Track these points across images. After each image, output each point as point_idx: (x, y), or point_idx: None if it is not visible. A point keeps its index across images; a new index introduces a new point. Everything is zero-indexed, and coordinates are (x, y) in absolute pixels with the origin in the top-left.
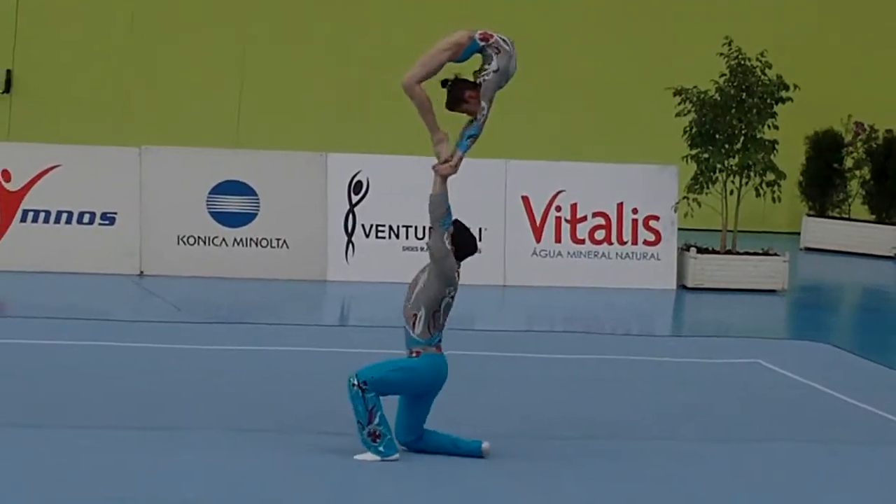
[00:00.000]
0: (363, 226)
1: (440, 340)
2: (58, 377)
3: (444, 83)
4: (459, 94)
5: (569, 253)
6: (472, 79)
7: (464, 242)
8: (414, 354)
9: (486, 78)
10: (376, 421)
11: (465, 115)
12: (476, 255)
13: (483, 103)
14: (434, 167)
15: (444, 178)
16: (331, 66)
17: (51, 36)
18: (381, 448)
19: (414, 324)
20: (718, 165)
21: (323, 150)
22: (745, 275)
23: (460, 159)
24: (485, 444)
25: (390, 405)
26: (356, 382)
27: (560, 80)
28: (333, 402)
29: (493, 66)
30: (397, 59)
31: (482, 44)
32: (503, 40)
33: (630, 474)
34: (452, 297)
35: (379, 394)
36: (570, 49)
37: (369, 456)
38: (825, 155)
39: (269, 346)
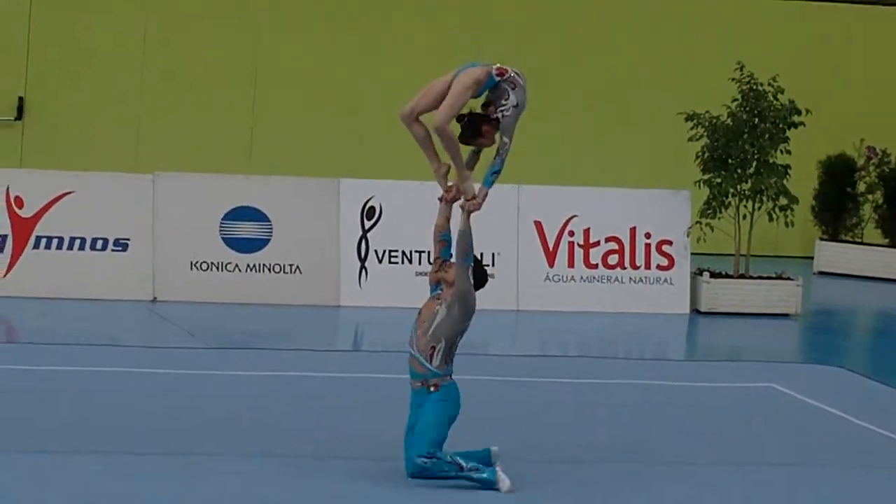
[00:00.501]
0: (376, 251)
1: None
2: (71, 403)
3: (460, 118)
4: (477, 128)
5: (582, 278)
6: (481, 112)
7: (479, 276)
8: (432, 388)
9: (506, 114)
10: (463, 463)
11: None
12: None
13: (505, 139)
14: (462, 204)
15: (469, 214)
16: (342, 91)
17: (62, 63)
18: (485, 475)
19: (432, 356)
20: (731, 190)
21: (335, 175)
22: (759, 299)
23: (485, 196)
24: (494, 448)
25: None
26: (425, 459)
27: (572, 105)
28: (349, 427)
29: (512, 100)
30: (408, 84)
31: (498, 79)
32: (517, 74)
33: (644, 498)
34: (467, 328)
35: (440, 446)
36: (583, 75)
37: (502, 484)
38: (838, 179)
39: (283, 372)
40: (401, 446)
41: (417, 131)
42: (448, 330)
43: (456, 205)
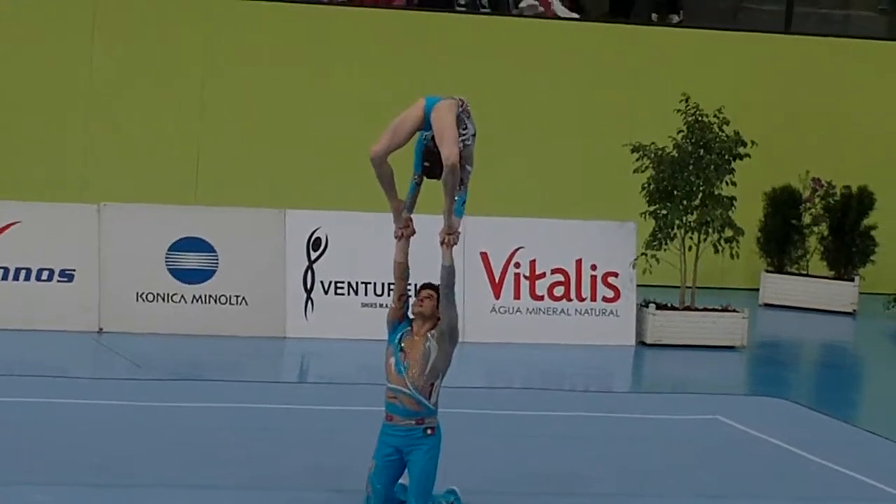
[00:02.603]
0: (322, 282)
1: None
2: (16, 434)
3: (430, 154)
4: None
5: (528, 309)
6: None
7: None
8: (429, 430)
9: (468, 143)
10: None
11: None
12: None
13: (468, 167)
14: (444, 242)
15: (451, 248)
16: (289, 122)
17: (5, 91)
18: None
19: (430, 394)
20: (677, 222)
21: (282, 206)
22: (704, 331)
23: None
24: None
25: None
26: None
27: (518, 137)
28: (294, 458)
29: (471, 129)
30: (356, 116)
31: (458, 110)
32: (467, 103)
33: None
34: None
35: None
36: (529, 106)
37: None
38: (783, 211)
39: (229, 403)
40: (349, 476)
41: (386, 171)
42: (443, 364)
43: (414, 239)
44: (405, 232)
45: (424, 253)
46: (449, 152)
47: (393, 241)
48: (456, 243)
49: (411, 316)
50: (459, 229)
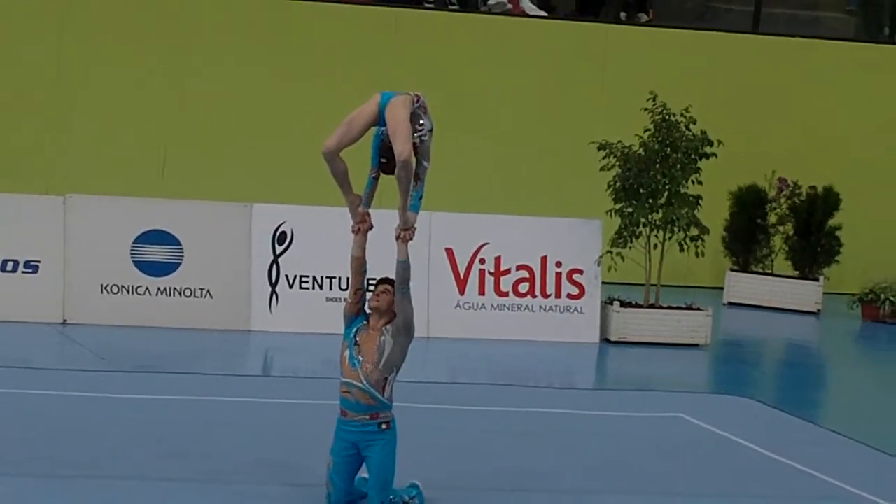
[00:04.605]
0: (287, 276)
1: None
2: None
3: (386, 150)
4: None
5: (492, 305)
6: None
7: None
8: (384, 425)
9: (424, 139)
10: (406, 498)
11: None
12: None
13: (425, 163)
14: (401, 236)
15: (407, 243)
16: (255, 116)
17: None
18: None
19: (384, 387)
20: (642, 220)
21: (247, 200)
22: (668, 329)
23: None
24: (419, 484)
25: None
26: None
27: (484, 133)
28: (256, 452)
29: (428, 125)
30: (321, 111)
31: (414, 106)
32: (424, 99)
33: None
34: None
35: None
36: (495, 102)
37: None
38: (749, 210)
39: (193, 396)
40: (309, 470)
41: (339, 166)
42: (398, 359)
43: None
44: (362, 227)
45: (383, 248)
46: (402, 149)
47: None
48: (412, 238)
49: (368, 311)
50: (416, 225)
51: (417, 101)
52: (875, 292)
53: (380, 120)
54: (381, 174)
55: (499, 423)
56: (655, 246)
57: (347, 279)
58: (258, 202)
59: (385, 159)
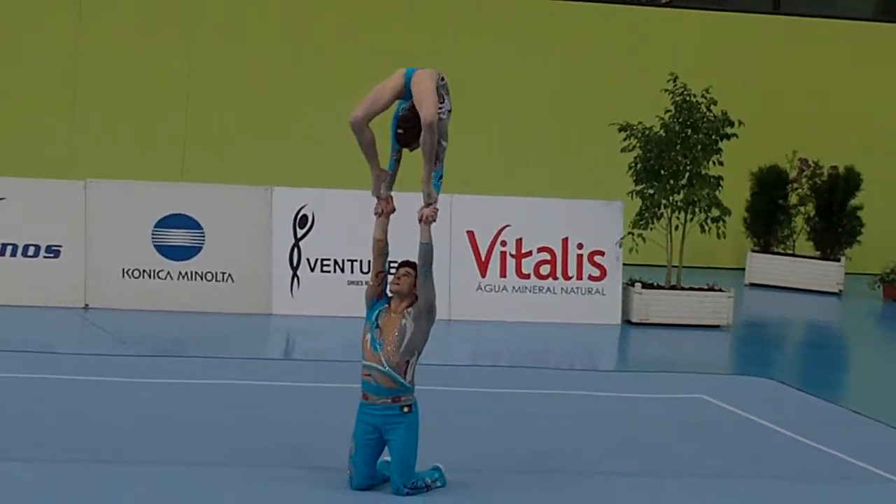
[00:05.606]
0: (308, 260)
1: None
2: (1, 409)
3: (403, 121)
4: (419, 131)
5: (514, 288)
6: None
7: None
8: (406, 408)
9: (443, 117)
10: (429, 481)
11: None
12: None
13: (444, 142)
14: (423, 219)
15: (430, 224)
16: (276, 99)
17: None
18: (440, 484)
19: (406, 371)
20: (663, 201)
21: (268, 183)
22: (690, 310)
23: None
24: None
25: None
26: (410, 490)
27: (506, 116)
28: (279, 436)
29: (447, 105)
30: (341, 93)
31: (439, 83)
32: (444, 76)
33: None
34: None
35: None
36: (517, 85)
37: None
38: (770, 191)
39: (214, 380)
40: (332, 453)
41: (366, 136)
42: (419, 342)
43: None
44: (385, 209)
45: (405, 231)
46: (427, 111)
47: None
48: (434, 220)
49: (389, 294)
50: (438, 206)
51: (442, 79)
52: None
53: (406, 93)
54: (403, 156)
55: (521, 406)
56: (677, 227)
57: (369, 262)
58: (279, 186)
59: (402, 130)
